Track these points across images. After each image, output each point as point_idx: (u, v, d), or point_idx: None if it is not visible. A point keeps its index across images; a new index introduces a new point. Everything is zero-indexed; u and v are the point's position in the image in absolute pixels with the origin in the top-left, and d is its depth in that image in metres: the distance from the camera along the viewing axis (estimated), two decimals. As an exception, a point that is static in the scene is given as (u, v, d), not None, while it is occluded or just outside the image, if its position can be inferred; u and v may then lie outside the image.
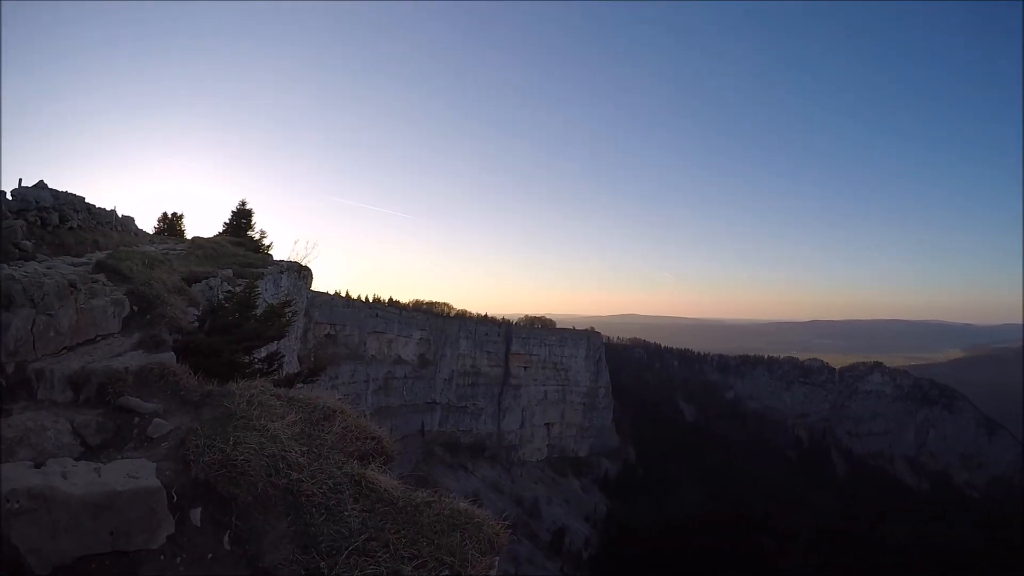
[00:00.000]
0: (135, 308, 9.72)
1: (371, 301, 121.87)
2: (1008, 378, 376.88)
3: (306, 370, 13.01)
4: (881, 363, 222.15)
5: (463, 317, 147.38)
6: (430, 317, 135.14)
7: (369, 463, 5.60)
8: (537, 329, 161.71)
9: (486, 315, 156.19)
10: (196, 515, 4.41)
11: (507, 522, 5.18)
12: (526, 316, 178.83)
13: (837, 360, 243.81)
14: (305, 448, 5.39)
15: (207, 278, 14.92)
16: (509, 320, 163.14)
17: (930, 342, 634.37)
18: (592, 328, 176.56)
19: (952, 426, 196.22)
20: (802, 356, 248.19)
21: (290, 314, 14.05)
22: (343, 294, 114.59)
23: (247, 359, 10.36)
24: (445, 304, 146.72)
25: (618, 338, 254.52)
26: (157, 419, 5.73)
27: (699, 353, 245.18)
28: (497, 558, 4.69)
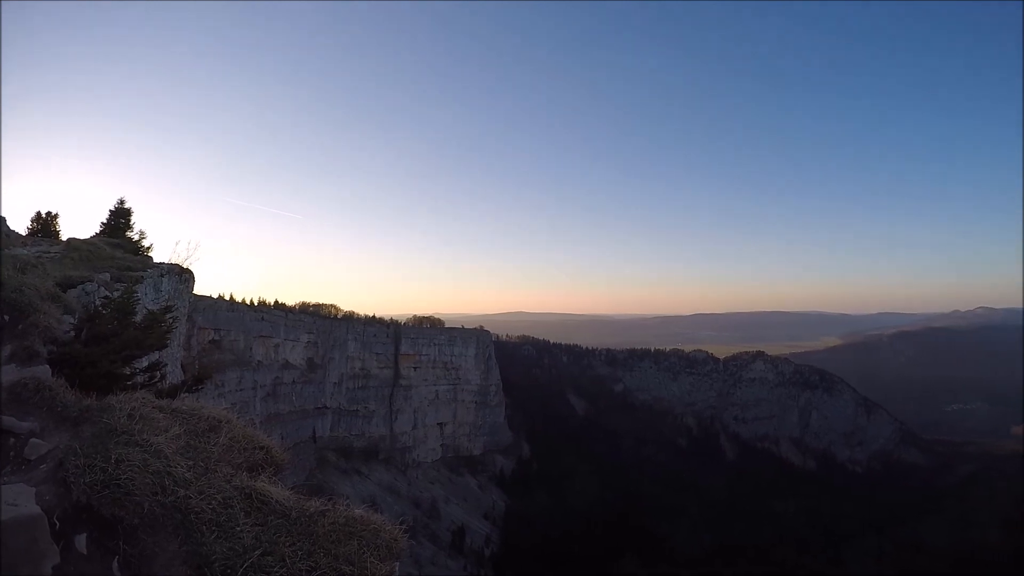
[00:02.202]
0: (6, 317, 9.11)
1: (256, 304, 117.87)
2: (881, 362, 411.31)
3: (190, 379, 12.53)
4: (763, 352, 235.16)
5: (351, 318, 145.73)
6: (317, 319, 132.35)
7: (259, 474, 5.53)
8: (426, 329, 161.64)
9: (374, 316, 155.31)
10: (81, 541, 4.22)
11: (405, 525, 5.22)
12: (414, 316, 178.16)
13: (721, 351, 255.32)
14: (191, 462, 5.24)
15: (83, 283, 14.11)
16: (397, 320, 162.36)
17: (809, 331, 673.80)
18: (481, 327, 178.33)
19: (833, 408, 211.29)
20: (687, 348, 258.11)
21: (171, 320, 13.54)
22: (227, 297, 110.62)
23: (127, 370, 9.92)
24: (332, 306, 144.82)
25: (507, 336, 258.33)
26: (34, 439, 5.43)
27: (587, 348, 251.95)
28: (396, 563, 4.73)
